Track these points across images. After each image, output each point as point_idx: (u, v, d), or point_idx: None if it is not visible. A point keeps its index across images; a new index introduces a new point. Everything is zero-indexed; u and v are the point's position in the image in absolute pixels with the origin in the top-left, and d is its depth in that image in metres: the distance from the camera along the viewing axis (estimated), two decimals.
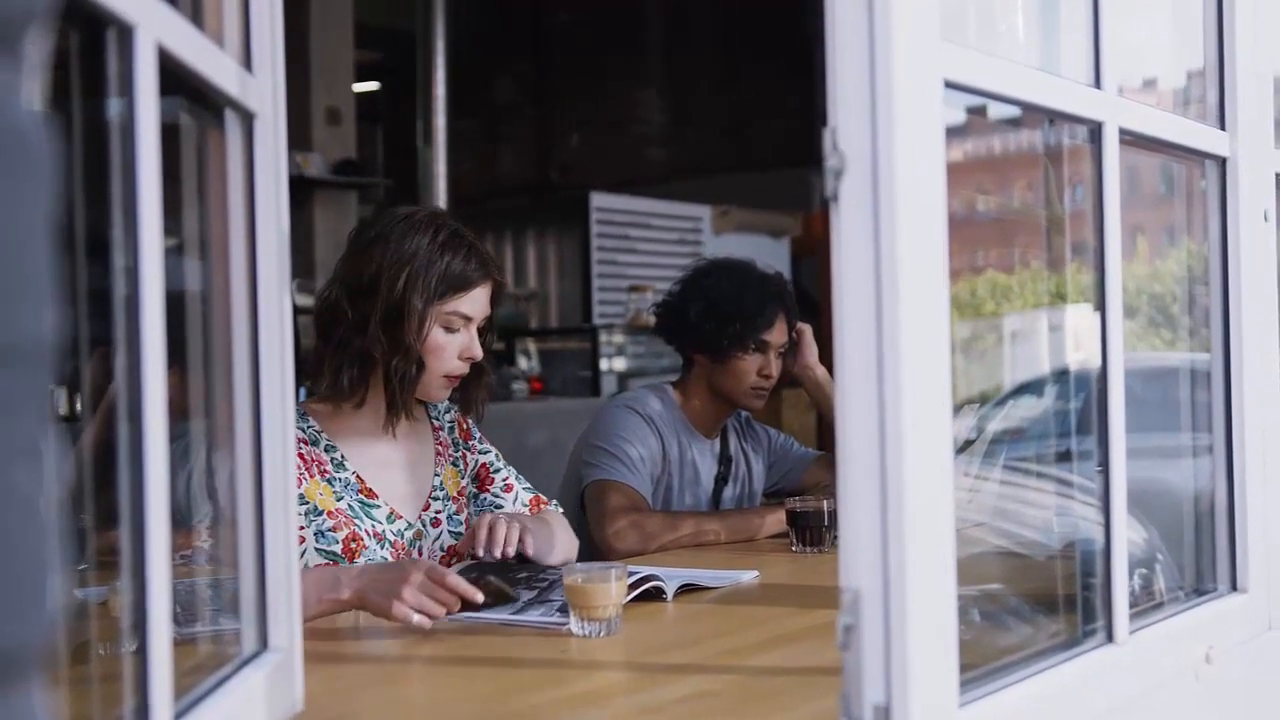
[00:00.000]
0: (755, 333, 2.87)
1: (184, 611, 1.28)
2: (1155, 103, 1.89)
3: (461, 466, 2.40)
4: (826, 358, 3.00)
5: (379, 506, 2.22)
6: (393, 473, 2.27)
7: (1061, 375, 1.96)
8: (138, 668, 0.97)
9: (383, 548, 2.19)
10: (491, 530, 2.13)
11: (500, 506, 2.37)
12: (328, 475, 2.18)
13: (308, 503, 2.13)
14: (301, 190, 7.22)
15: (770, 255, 6.28)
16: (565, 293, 8.16)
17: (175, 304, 1.01)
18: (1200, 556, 1.82)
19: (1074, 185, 1.71)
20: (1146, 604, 1.64)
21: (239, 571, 1.32)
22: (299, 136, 7.09)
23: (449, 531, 2.31)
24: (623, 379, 7.18)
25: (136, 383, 0.96)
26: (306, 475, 2.15)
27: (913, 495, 1.13)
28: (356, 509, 2.19)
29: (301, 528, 2.11)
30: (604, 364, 7.26)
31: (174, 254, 1.07)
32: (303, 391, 2.33)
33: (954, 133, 1.24)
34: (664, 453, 2.89)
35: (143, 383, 0.96)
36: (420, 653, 1.80)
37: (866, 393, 1.13)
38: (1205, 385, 1.85)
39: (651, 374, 7.05)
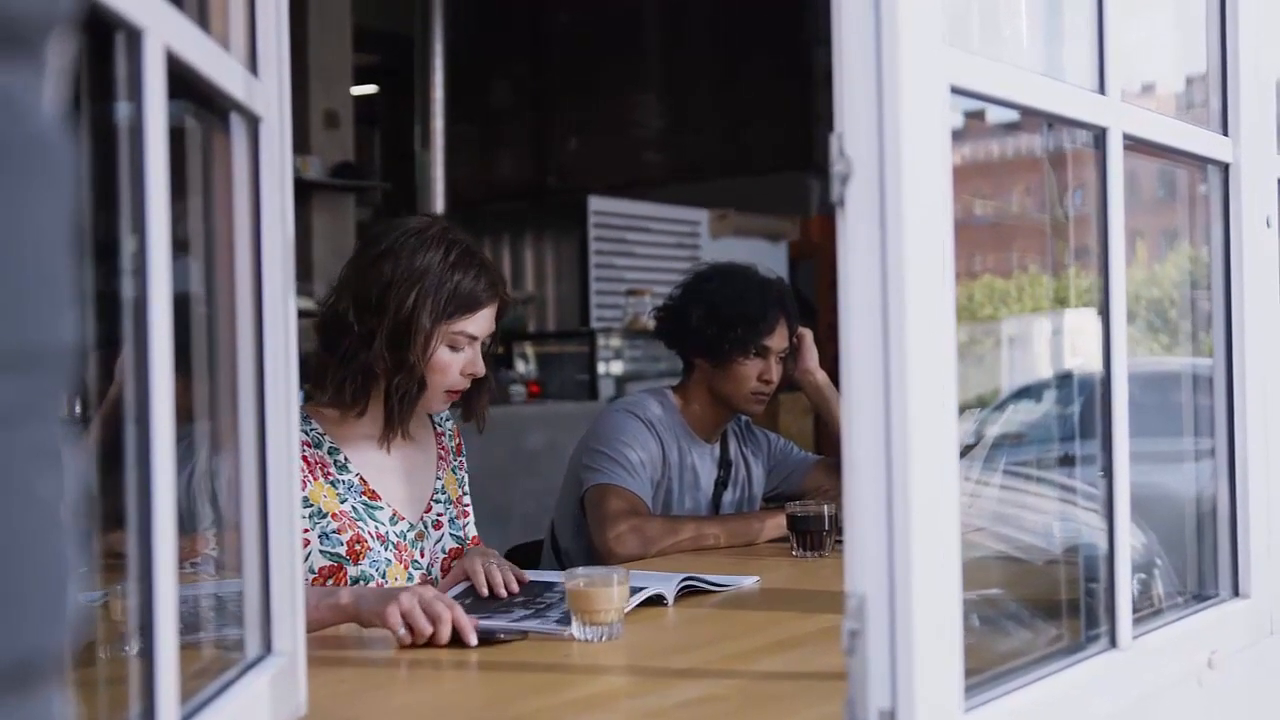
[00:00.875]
0: (756, 338, 2.87)
1: (189, 620, 1.28)
2: (1155, 107, 1.89)
3: (460, 475, 2.41)
4: (824, 361, 3.03)
5: (382, 508, 2.22)
6: (395, 475, 2.27)
7: (1061, 380, 1.96)
8: (144, 672, 0.97)
9: (386, 549, 2.19)
10: (488, 574, 2.10)
11: (456, 535, 2.36)
12: (331, 477, 2.18)
13: (311, 505, 2.14)
14: (299, 193, 7.16)
15: (768, 259, 6.27)
16: (563, 296, 8.16)
17: (179, 307, 1.01)
18: (1202, 562, 1.82)
19: (1073, 189, 1.72)
20: (1145, 609, 1.64)
21: (243, 576, 1.32)
22: (297, 139, 7.05)
23: (450, 534, 2.32)
24: (620, 382, 7.17)
25: (144, 386, 0.96)
26: (310, 478, 2.15)
27: (918, 500, 1.13)
28: (360, 510, 2.19)
29: (306, 530, 2.12)
30: (602, 367, 7.25)
31: (179, 257, 1.07)
32: (300, 394, 2.33)
33: (951, 137, 1.24)
34: (664, 457, 2.88)
35: (150, 386, 0.96)
36: (423, 657, 1.79)
37: (872, 397, 1.14)
38: (1204, 390, 1.85)
39: (649, 377, 7.04)
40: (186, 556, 1.04)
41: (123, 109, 0.96)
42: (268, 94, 1.33)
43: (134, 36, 0.95)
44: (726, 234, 8.10)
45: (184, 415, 1.16)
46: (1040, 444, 2.13)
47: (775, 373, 2.91)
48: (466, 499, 2.43)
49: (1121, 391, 1.49)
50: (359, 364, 2.16)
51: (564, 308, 8.12)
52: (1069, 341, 1.91)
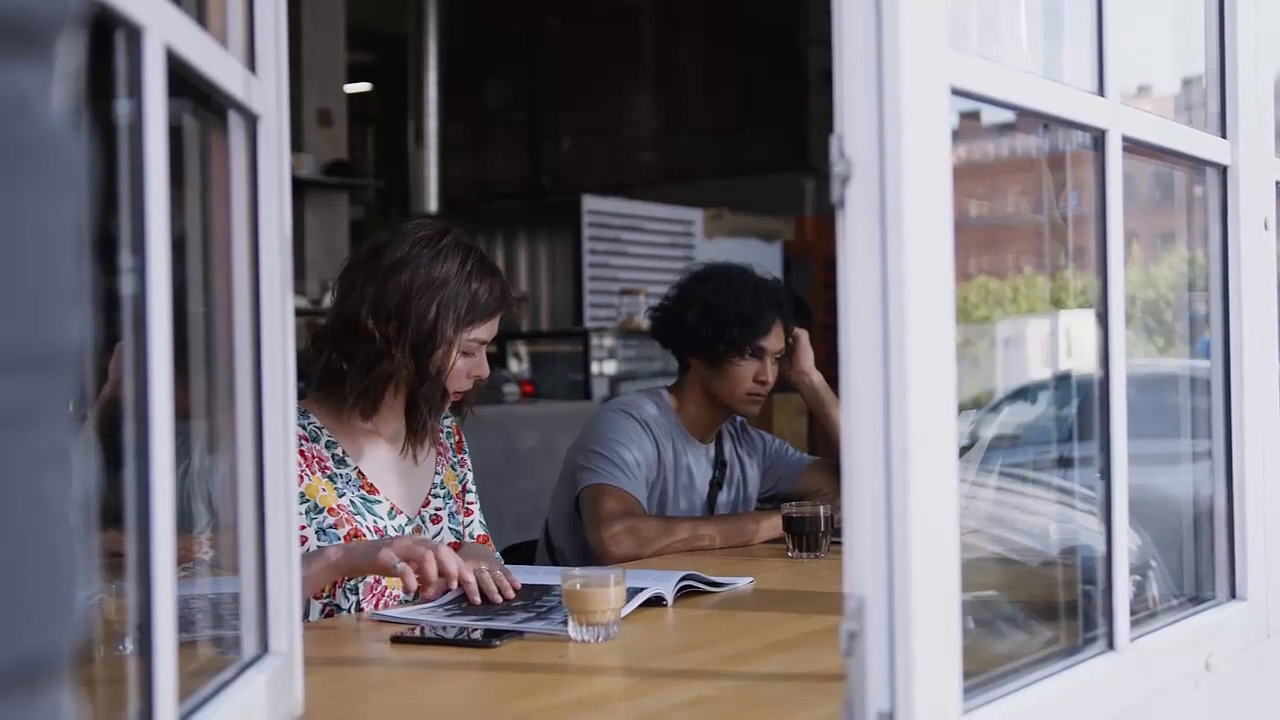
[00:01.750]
0: (752, 339, 2.87)
1: (184, 620, 1.28)
2: (1153, 109, 1.89)
3: (459, 471, 2.41)
4: (818, 362, 3.03)
5: (380, 502, 2.23)
6: (393, 469, 2.28)
7: (1058, 381, 1.96)
8: (141, 671, 0.96)
9: None
10: (480, 581, 2.06)
11: (455, 529, 2.37)
12: (329, 472, 2.19)
13: (308, 500, 2.14)
14: (292, 191, 7.19)
15: (762, 259, 6.27)
16: (557, 296, 8.15)
17: (175, 304, 1.00)
18: (1200, 564, 1.82)
19: (1069, 191, 1.72)
20: (1143, 611, 1.64)
21: (240, 575, 1.32)
22: (291, 137, 7.04)
23: (449, 529, 2.33)
24: (614, 382, 7.17)
25: (143, 383, 0.95)
26: (308, 472, 2.16)
27: (918, 501, 1.13)
28: (358, 504, 2.20)
29: (303, 527, 2.12)
30: (595, 367, 7.25)
31: (176, 254, 1.06)
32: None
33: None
34: (659, 457, 2.88)
35: (149, 383, 0.95)
36: (419, 657, 1.79)
37: (872, 398, 1.13)
38: (1200, 392, 1.85)
39: (643, 377, 7.04)
40: (181, 559, 1.04)
41: (122, 106, 0.96)
42: (266, 92, 1.33)
43: (134, 34, 0.95)
44: (720, 234, 8.10)
45: (179, 413, 1.15)
46: (1036, 445, 2.14)
47: (771, 374, 2.91)
48: (470, 496, 2.43)
49: (1119, 392, 1.49)
50: (380, 373, 2.18)
51: (558, 307, 8.11)
52: (1065, 343, 1.91)
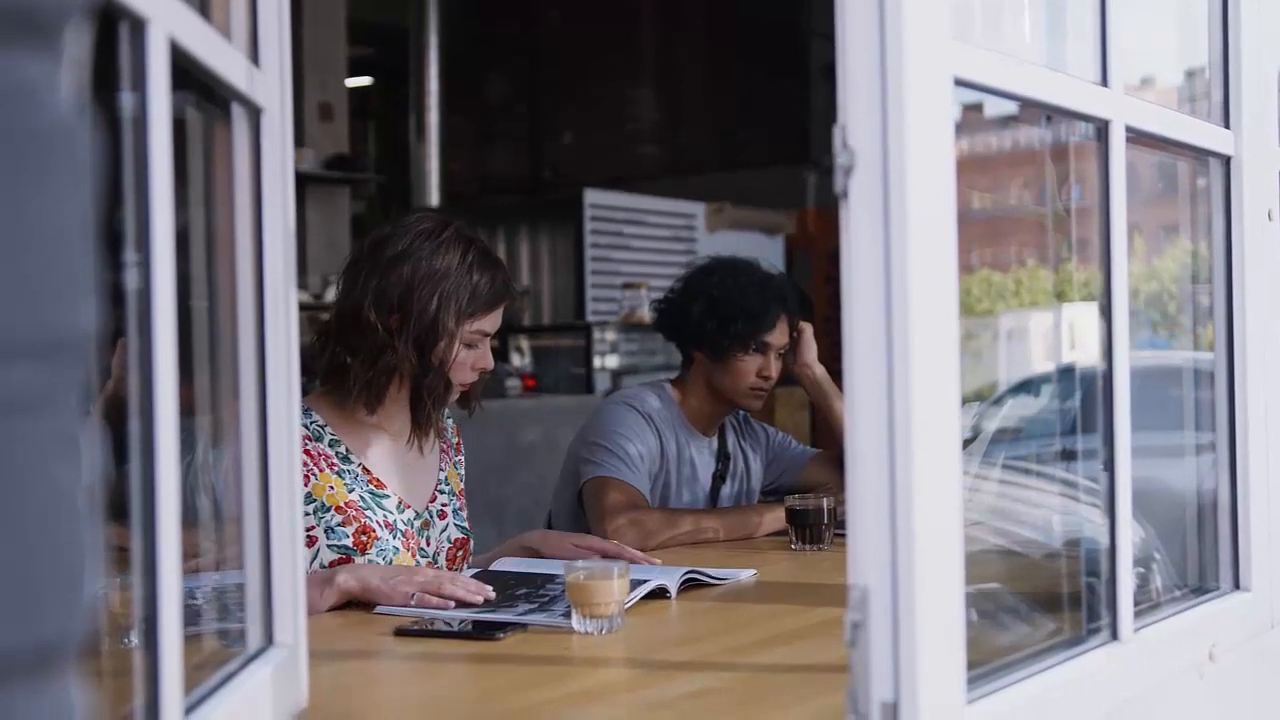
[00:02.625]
0: (756, 333, 2.87)
1: (189, 612, 1.28)
2: (1156, 100, 1.89)
3: (461, 470, 2.42)
4: (820, 355, 3.03)
5: (388, 496, 2.24)
6: (399, 465, 2.29)
7: (1061, 373, 1.96)
8: (147, 663, 0.96)
9: (394, 537, 2.21)
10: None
11: (460, 525, 2.38)
12: (336, 469, 2.20)
13: (315, 500, 2.14)
14: (294, 185, 7.20)
15: (764, 253, 6.27)
16: (558, 289, 8.15)
17: (180, 297, 1.01)
18: (1203, 555, 1.82)
19: (1072, 182, 1.72)
20: (1144, 602, 1.64)
21: (245, 568, 1.32)
22: (292, 131, 7.04)
23: (455, 524, 2.34)
24: (616, 376, 7.17)
25: (148, 377, 0.95)
26: (315, 471, 2.16)
27: (921, 492, 1.13)
28: (368, 499, 2.21)
29: (312, 527, 2.13)
30: (597, 361, 7.24)
31: (179, 248, 1.06)
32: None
33: None
34: (662, 450, 2.88)
35: (154, 377, 0.95)
36: (423, 649, 1.79)
37: (875, 389, 1.13)
38: (1204, 384, 1.85)
39: (645, 371, 7.03)
40: (185, 555, 1.04)
41: (126, 99, 0.96)
42: (269, 85, 1.33)
43: (138, 26, 0.95)
44: (722, 227, 8.09)
45: (183, 407, 1.15)
46: (1040, 438, 2.13)
47: (775, 369, 2.91)
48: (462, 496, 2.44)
49: (1123, 384, 1.49)
50: (384, 365, 2.18)
51: (559, 301, 8.11)
52: (1068, 335, 1.91)
